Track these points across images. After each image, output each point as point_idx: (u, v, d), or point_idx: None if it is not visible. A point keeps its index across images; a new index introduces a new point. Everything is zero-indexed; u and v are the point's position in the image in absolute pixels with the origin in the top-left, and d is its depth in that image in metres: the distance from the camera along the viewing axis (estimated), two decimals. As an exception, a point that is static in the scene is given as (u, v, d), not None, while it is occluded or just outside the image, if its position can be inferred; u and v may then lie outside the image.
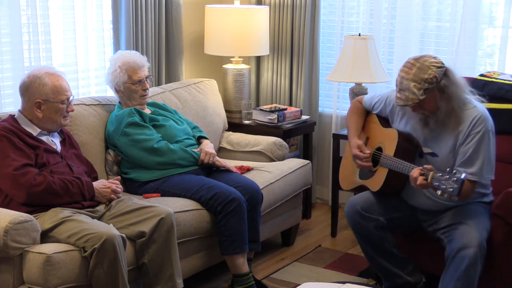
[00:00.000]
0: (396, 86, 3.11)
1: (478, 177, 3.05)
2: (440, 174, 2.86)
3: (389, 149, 3.26)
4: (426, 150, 3.19)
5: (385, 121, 3.44)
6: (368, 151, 3.37)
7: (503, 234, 3.14)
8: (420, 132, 3.18)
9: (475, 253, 2.97)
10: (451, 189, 2.80)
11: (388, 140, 3.31)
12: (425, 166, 2.95)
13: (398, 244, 3.34)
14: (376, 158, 3.36)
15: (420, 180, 2.92)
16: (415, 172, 2.96)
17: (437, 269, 3.18)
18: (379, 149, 3.36)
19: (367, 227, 3.29)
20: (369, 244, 3.33)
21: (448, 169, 2.91)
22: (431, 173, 2.89)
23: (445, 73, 3.05)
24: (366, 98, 3.57)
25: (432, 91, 3.02)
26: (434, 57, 3.08)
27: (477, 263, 2.98)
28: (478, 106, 3.11)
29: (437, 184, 2.86)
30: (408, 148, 3.22)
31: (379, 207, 3.30)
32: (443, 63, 3.06)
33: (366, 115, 3.57)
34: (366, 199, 3.35)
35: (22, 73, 3.68)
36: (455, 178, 2.80)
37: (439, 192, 2.85)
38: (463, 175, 2.80)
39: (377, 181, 3.31)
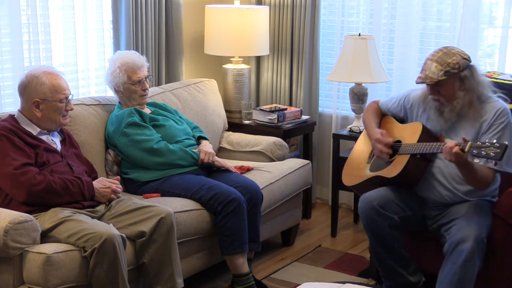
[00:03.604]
0: (421, 68, 3.19)
1: (499, 166, 3.07)
2: (479, 143, 2.85)
3: (412, 138, 3.27)
4: (447, 141, 3.19)
5: (402, 122, 3.46)
6: (390, 139, 3.36)
7: (503, 234, 3.14)
8: (437, 122, 3.23)
9: (472, 247, 2.96)
10: (493, 154, 2.78)
11: (409, 132, 3.31)
12: (462, 136, 2.94)
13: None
14: (394, 149, 3.34)
15: (456, 148, 2.90)
16: (451, 143, 2.95)
17: (437, 269, 3.17)
18: (398, 142, 3.36)
19: (381, 224, 3.24)
20: (379, 242, 3.28)
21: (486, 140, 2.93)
22: (469, 143, 2.88)
23: (469, 66, 3.17)
24: (383, 100, 3.63)
25: (452, 77, 3.12)
26: (463, 51, 3.19)
27: (475, 258, 2.98)
28: (501, 100, 3.21)
29: (476, 152, 2.83)
30: (430, 139, 3.23)
31: (395, 205, 3.26)
32: (469, 58, 3.18)
33: (382, 116, 3.59)
34: (383, 196, 3.28)
35: (22, 73, 3.68)
36: (497, 144, 2.80)
37: (476, 160, 2.82)
38: (506, 141, 2.82)
39: (394, 169, 3.26)
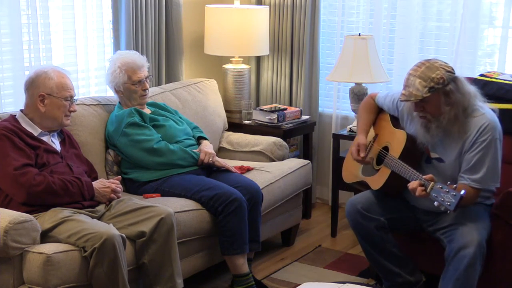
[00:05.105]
0: (403, 84, 3.11)
1: (481, 185, 3.05)
2: (440, 186, 2.85)
3: (396, 150, 3.25)
4: (433, 155, 3.19)
5: (396, 121, 3.42)
6: (363, 154, 3.35)
7: (503, 234, 3.13)
8: (423, 137, 3.16)
9: (475, 253, 2.97)
10: (449, 204, 2.79)
11: (395, 141, 3.29)
12: (425, 176, 2.94)
13: (398, 244, 3.34)
14: (381, 157, 3.35)
15: (419, 191, 2.93)
16: (414, 183, 2.96)
17: (437, 269, 3.17)
18: (386, 148, 3.36)
19: (367, 227, 3.29)
20: (369, 244, 3.33)
21: (449, 182, 2.90)
22: (431, 184, 2.89)
23: (454, 79, 3.05)
24: (379, 96, 3.53)
25: (437, 93, 3.01)
26: (446, 63, 3.08)
27: (477, 263, 2.98)
28: (487, 114, 3.09)
29: (435, 195, 2.85)
30: (415, 152, 3.20)
31: (380, 207, 3.30)
32: (453, 70, 3.06)
33: (378, 112, 3.54)
34: (367, 199, 3.34)
35: (22, 73, 3.69)
36: (454, 193, 2.79)
37: (436, 204, 2.84)
38: (462, 192, 2.79)
39: (378, 180, 3.31)
